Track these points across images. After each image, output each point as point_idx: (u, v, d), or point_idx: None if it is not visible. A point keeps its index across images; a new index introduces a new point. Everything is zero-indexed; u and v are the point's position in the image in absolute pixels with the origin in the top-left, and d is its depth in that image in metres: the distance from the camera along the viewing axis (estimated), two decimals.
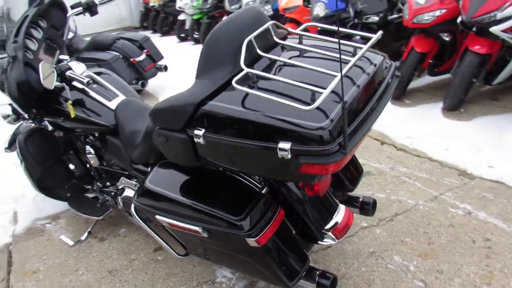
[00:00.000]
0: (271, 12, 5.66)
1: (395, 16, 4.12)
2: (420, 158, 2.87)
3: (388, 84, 1.50)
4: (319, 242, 1.68)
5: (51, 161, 2.32)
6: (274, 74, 1.39)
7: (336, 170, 1.25)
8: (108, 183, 2.38)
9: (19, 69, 2.00)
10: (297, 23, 5.26)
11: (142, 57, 4.90)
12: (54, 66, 2.06)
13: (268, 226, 1.47)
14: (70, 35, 5.18)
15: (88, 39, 5.07)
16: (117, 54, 4.77)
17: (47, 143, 2.32)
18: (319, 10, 4.52)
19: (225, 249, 1.63)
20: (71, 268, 2.21)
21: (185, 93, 1.42)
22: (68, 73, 2.03)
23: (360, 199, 1.96)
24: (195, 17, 7.78)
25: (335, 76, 1.23)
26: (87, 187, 2.45)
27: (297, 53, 1.51)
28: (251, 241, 1.43)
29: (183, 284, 2.00)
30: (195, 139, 1.36)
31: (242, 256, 1.57)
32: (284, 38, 1.64)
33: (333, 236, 1.65)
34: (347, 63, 1.30)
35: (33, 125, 2.36)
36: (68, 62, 2.21)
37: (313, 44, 1.55)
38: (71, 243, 2.36)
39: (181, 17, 8.22)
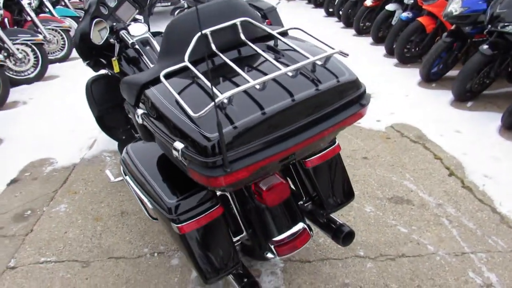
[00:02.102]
0: (412, 1, 5.10)
1: None
2: (482, 204, 2.40)
3: (343, 110, 1.31)
4: (264, 252, 1.64)
5: (109, 105, 2.68)
6: (217, 74, 1.35)
7: (222, 186, 1.19)
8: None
9: (86, 21, 2.33)
10: (435, 18, 4.67)
11: None
12: (114, 24, 2.32)
13: (197, 218, 1.48)
14: None
15: None
16: None
17: (110, 88, 2.66)
18: (455, 7, 3.92)
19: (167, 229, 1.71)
20: (99, 199, 2.59)
21: (143, 73, 1.49)
22: (121, 32, 2.27)
23: (337, 224, 1.79)
24: None
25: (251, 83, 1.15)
26: (136, 136, 2.76)
27: (261, 56, 1.42)
28: (175, 227, 1.48)
29: (155, 244, 2.17)
30: (136, 117, 1.45)
31: (174, 239, 1.63)
32: (266, 38, 1.53)
33: (274, 251, 1.58)
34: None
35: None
36: (135, 22, 2.46)
37: (284, 48, 1.44)
38: (111, 178, 2.72)
39: None
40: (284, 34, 1.57)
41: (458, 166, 2.79)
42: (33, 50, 4.94)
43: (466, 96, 3.77)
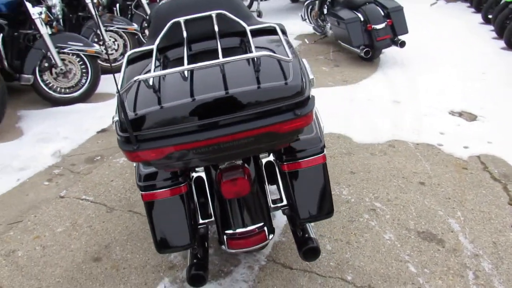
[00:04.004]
0: None
1: None
2: None
3: (273, 115, 1.23)
4: (220, 242, 1.68)
5: None
6: (178, 61, 1.42)
7: (135, 161, 1.27)
8: None
9: None
10: None
11: (381, 26, 4.75)
12: None
13: (158, 190, 1.61)
14: None
15: None
16: (358, 16, 4.81)
17: None
18: None
19: None
20: None
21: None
22: None
23: (305, 236, 1.69)
24: None
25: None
26: None
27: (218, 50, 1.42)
28: (140, 193, 1.63)
29: None
30: None
31: None
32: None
33: (225, 243, 1.62)
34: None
35: None
36: None
37: (255, 45, 1.41)
38: None
39: None
40: (271, 31, 1.53)
41: None
42: None
43: None
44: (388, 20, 4.76)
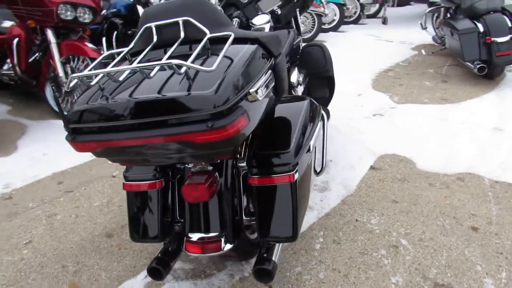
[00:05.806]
0: None
1: None
2: None
3: (188, 124, 1.19)
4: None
5: None
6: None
7: (77, 151, 1.37)
8: None
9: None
10: None
11: (503, 39, 4.06)
12: (237, 12, 2.58)
13: (136, 181, 1.73)
14: None
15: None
16: (477, 26, 4.21)
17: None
18: None
19: None
20: None
21: None
22: (234, 19, 2.52)
23: (264, 256, 1.60)
24: None
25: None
26: None
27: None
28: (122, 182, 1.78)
29: None
30: None
31: None
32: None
33: (184, 245, 1.65)
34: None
35: None
36: (262, 13, 2.64)
37: (214, 53, 1.38)
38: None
39: None
40: (238, 40, 1.46)
41: None
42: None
43: None
44: None
